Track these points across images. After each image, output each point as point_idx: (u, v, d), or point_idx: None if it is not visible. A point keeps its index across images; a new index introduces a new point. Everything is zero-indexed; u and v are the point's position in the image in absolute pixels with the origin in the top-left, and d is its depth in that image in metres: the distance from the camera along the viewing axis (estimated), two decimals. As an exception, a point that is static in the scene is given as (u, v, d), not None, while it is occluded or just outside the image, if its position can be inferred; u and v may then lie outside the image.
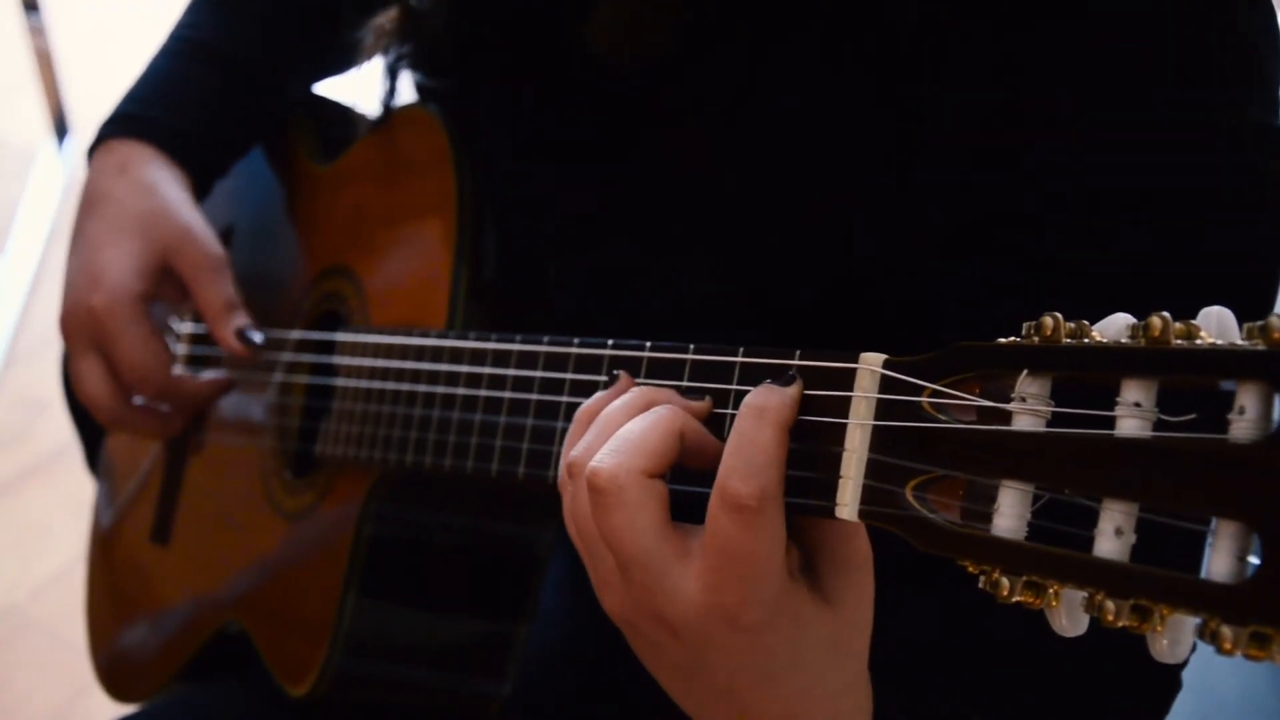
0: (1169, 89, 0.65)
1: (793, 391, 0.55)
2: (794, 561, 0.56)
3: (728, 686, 0.57)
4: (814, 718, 0.58)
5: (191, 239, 0.97)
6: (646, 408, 0.58)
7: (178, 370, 0.99)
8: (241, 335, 0.96)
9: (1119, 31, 0.65)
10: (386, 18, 0.90)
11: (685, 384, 0.61)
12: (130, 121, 1.02)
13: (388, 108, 0.93)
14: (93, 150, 1.03)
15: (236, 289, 0.98)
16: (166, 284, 0.98)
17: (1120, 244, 0.65)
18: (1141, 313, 0.45)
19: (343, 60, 1.04)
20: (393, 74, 0.91)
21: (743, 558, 0.53)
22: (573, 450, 0.58)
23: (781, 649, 0.55)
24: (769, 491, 0.53)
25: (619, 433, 0.56)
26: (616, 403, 0.59)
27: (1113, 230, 0.65)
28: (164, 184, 0.99)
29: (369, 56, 0.93)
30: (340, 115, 1.08)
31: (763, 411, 0.54)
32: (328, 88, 1.12)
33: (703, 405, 0.59)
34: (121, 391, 0.98)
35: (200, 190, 1.04)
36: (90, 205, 0.99)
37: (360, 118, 0.98)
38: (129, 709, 1.01)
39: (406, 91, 0.94)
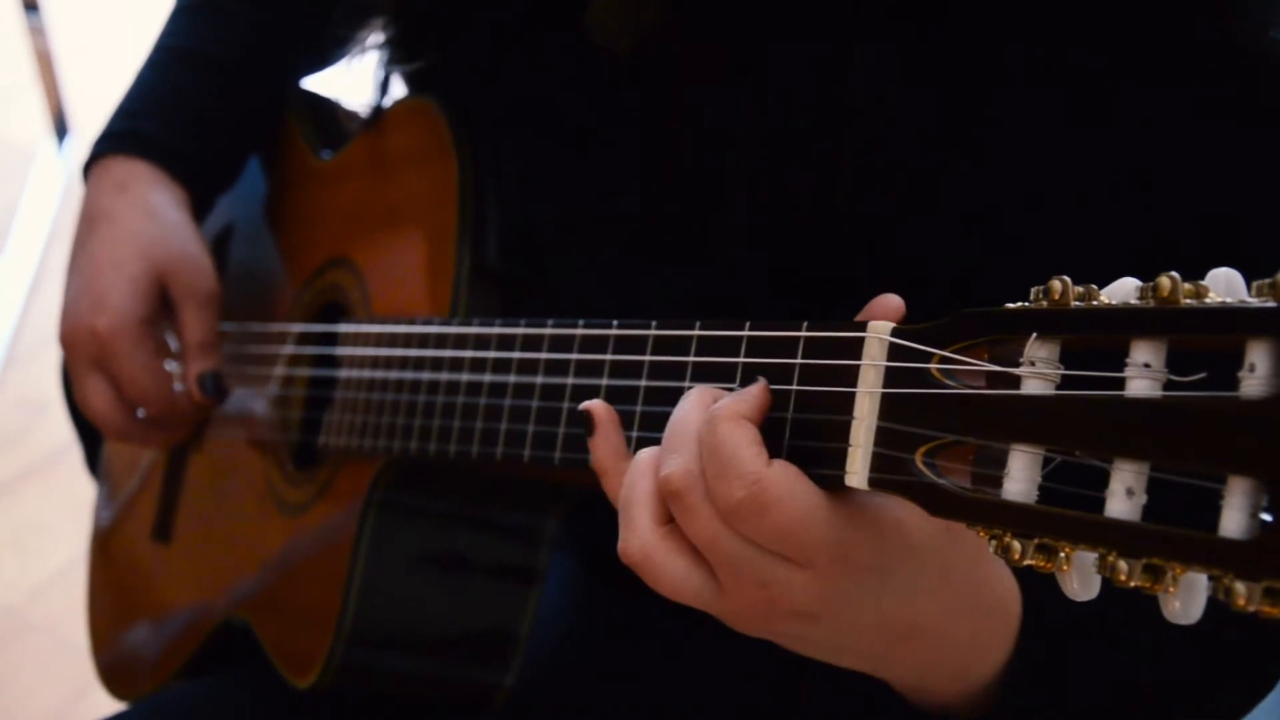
0: (1190, 22, 0.63)
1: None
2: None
3: (877, 625, 0.57)
4: (961, 610, 0.59)
5: (189, 266, 0.98)
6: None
7: (178, 387, 0.99)
8: (201, 380, 0.97)
9: None
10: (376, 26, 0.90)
11: (695, 359, 0.61)
12: (126, 138, 1.01)
13: (384, 103, 0.92)
14: (89, 166, 1.02)
15: (219, 326, 0.98)
16: (163, 304, 0.98)
17: (1146, 198, 0.64)
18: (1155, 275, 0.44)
19: (333, 56, 1.04)
20: (386, 70, 0.91)
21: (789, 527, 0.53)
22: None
23: (892, 564, 0.56)
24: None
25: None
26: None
27: (1139, 186, 0.64)
28: (165, 207, 0.99)
29: (360, 51, 0.93)
30: (339, 108, 1.08)
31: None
32: (325, 82, 1.11)
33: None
34: (127, 408, 0.98)
35: (201, 206, 1.04)
36: (90, 223, 0.99)
37: (359, 110, 0.98)
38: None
39: (400, 87, 0.94)
